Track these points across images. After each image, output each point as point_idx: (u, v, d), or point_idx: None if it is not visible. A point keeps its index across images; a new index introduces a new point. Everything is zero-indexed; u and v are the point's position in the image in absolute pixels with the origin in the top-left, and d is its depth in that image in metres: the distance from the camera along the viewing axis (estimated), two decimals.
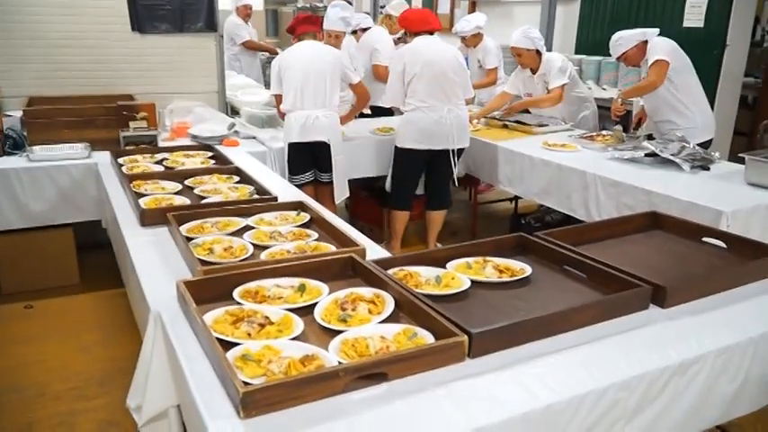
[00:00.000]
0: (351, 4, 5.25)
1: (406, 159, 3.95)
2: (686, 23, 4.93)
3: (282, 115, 3.85)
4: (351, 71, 3.89)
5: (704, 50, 4.08)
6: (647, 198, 2.97)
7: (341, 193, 3.90)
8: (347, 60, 3.93)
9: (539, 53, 4.37)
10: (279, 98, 3.82)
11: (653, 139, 3.73)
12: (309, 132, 3.71)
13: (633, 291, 1.69)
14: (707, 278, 1.85)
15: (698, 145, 3.45)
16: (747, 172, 3.02)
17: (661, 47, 3.73)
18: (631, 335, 1.57)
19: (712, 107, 4.76)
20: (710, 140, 3.85)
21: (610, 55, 5.52)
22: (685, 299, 1.74)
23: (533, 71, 4.43)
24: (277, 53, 7.57)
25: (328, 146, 3.76)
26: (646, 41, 3.77)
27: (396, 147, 3.98)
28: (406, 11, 4.40)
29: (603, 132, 4.10)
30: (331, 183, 3.86)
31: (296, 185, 3.49)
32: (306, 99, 3.70)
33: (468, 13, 8.00)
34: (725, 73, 4.91)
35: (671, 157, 3.28)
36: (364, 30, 5.34)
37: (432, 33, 3.89)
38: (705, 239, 2.20)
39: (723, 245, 2.14)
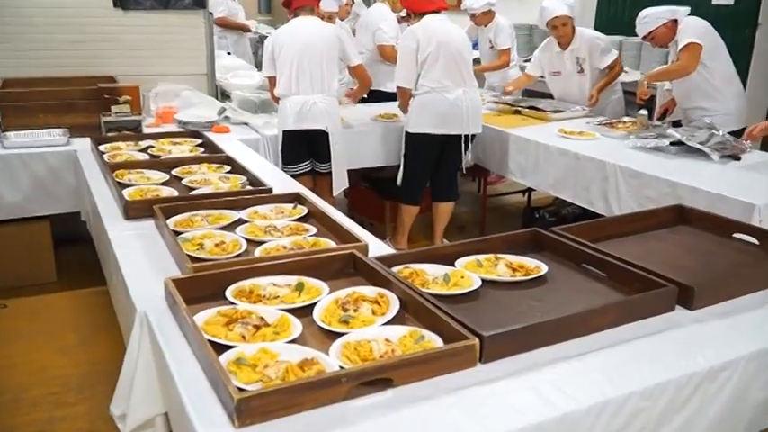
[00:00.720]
0: None
1: (419, 146, 3.93)
2: (715, 0, 4.92)
3: (276, 100, 3.84)
4: (351, 52, 3.86)
5: (735, 29, 4.07)
6: (671, 190, 2.97)
7: (339, 183, 3.90)
8: (348, 39, 3.91)
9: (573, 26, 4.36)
10: (272, 80, 3.80)
11: (679, 125, 3.73)
12: (306, 119, 3.70)
13: (657, 291, 1.69)
14: (737, 277, 1.86)
15: (729, 133, 3.44)
16: None
17: (693, 27, 3.70)
18: (655, 338, 1.57)
19: (744, 90, 4.76)
20: (744, 129, 3.84)
21: (631, 34, 5.51)
22: (714, 300, 1.74)
23: (564, 47, 4.40)
24: (250, 30, 7.58)
25: (326, 134, 3.75)
26: (676, 20, 3.76)
27: (407, 133, 3.97)
28: None
29: (625, 119, 4.10)
30: (329, 173, 3.85)
31: (291, 176, 3.48)
32: (302, 83, 3.68)
33: None
34: (757, 53, 4.90)
35: (698, 146, 3.28)
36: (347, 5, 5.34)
37: (438, 13, 3.87)
38: (735, 235, 2.19)
39: (755, 241, 2.14)
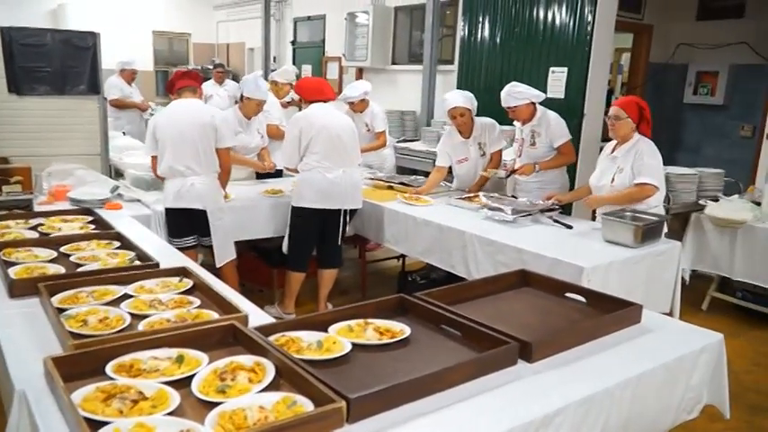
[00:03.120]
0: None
1: (302, 219, 3.95)
2: (549, 94, 5.35)
3: (160, 177, 3.74)
4: (225, 134, 3.73)
5: (566, 118, 4.42)
6: (518, 255, 3.13)
7: (223, 255, 3.80)
8: (223, 122, 3.77)
9: (472, 118, 4.35)
10: (154, 160, 3.70)
11: (514, 197, 4.05)
12: (184, 199, 3.63)
13: (502, 348, 1.77)
14: (568, 332, 1.97)
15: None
16: (603, 230, 3.27)
17: (563, 126, 4.14)
18: (501, 391, 1.64)
19: (575, 169, 5.15)
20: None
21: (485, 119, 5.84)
22: (549, 353, 1.84)
23: (466, 135, 4.41)
24: (146, 110, 7.48)
25: (205, 212, 3.69)
26: (535, 104, 4.10)
27: (292, 207, 3.98)
28: (303, 80, 4.46)
29: (480, 194, 4.30)
30: (211, 247, 3.78)
31: (178, 248, 3.44)
32: (180, 164, 3.59)
33: (356, 79, 8.28)
34: (584, 138, 5.34)
35: (538, 216, 3.55)
36: None
37: (326, 102, 3.98)
38: (568, 295, 2.34)
39: (583, 299, 2.30)
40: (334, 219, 3.98)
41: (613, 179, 3.56)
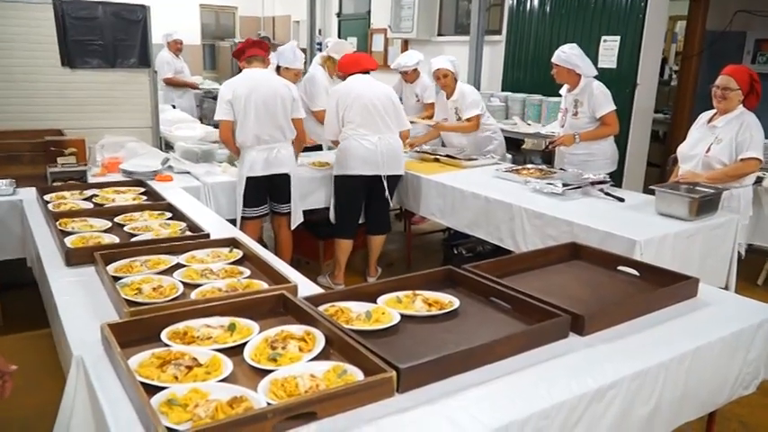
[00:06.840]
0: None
1: (345, 186, 4.03)
2: (600, 64, 5.18)
3: (230, 143, 3.78)
4: (299, 105, 3.90)
5: (617, 88, 4.29)
6: (568, 228, 3.05)
7: (297, 219, 3.98)
8: (297, 94, 3.94)
9: (455, 80, 4.64)
10: (228, 125, 3.70)
11: (549, 160, 3.95)
12: (272, 166, 3.77)
13: (554, 320, 1.73)
14: (621, 306, 1.92)
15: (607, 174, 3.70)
16: (657, 202, 3.16)
17: (607, 96, 3.98)
18: (552, 363, 1.60)
19: (626, 141, 5.00)
20: (614, 171, 4.13)
21: (533, 93, 5.77)
22: (602, 326, 1.79)
23: (448, 96, 4.70)
24: (197, 88, 7.51)
25: (288, 177, 3.83)
26: (580, 75, 3.99)
27: (334, 176, 4.07)
28: (343, 57, 4.45)
29: (529, 166, 4.23)
30: (287, 213, 3.94)
31: (249, 218, 3.74)
32: (266, 133, 3.71)
33: (401, 51, 8.18)
34: (636, 109, 5.17)
35: (589, 188, 3.45)
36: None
37: (365, 73, 4.02)
38: (620, 268, 2.28)
39: (636, 273, 2.23)
40: (376, 185, 4.02)
41: (709, 149, 3.36)
